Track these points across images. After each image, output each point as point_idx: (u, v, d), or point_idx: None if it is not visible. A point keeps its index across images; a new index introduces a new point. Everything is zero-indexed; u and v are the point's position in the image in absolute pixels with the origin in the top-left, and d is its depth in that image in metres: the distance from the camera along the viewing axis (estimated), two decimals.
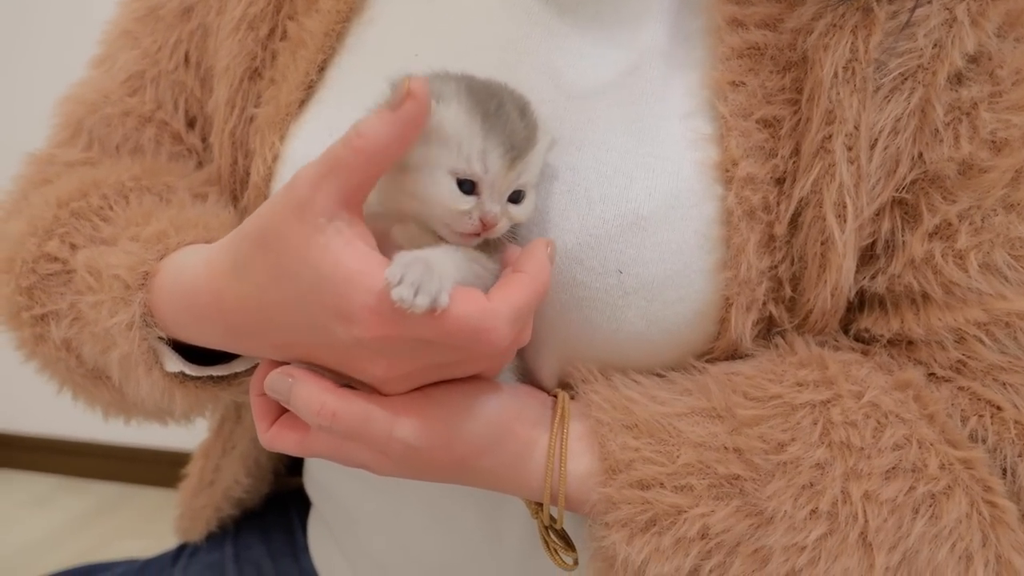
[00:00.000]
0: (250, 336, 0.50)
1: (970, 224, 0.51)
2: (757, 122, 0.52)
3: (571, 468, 0.50)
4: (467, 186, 0.46)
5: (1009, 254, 0.51)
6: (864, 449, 0.48)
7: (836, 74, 0.51)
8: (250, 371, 0.58)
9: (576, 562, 0.53)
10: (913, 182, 0.52)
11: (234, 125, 0.63)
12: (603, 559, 0.50)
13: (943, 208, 0.52)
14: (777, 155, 0.52)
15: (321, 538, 0.75)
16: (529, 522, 0.60)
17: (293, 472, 0.82)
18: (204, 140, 0.68)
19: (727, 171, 0.52)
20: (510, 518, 0.60)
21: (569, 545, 0.53)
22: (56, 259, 0.59)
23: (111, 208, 0.60)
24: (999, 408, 0.50)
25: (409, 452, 0.47)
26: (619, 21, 0.55)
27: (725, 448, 0.49)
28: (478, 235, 0.47)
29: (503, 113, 0.46)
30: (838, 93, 0.51)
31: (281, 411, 0.51)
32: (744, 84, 0.52)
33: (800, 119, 0.52)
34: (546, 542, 0.53)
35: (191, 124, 0.68)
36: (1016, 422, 0.50)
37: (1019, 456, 0.50)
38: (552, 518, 0.51)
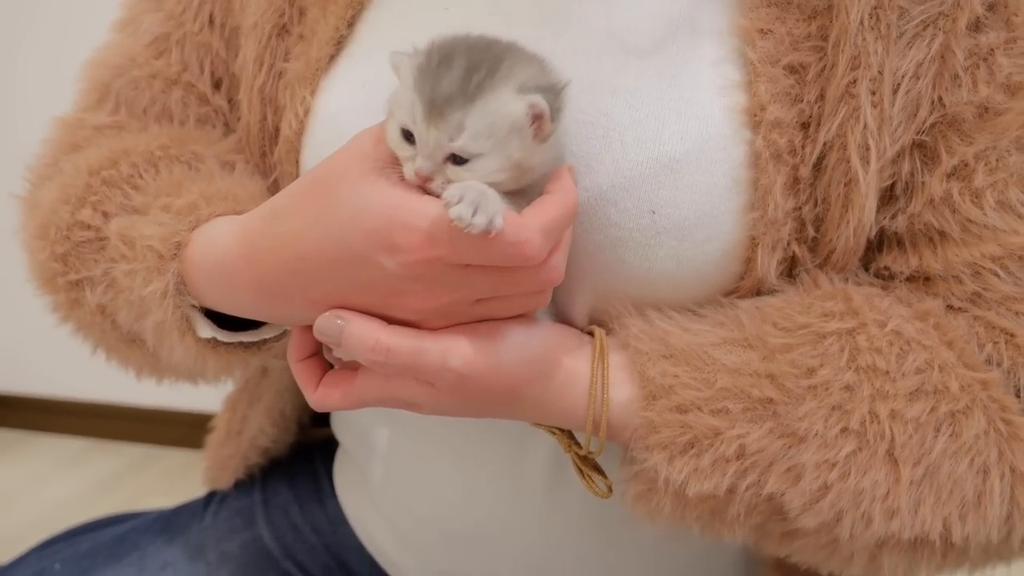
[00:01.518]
0: (282, 295, 0.52)
1: (986, 164, 0.54)
2: (784, 68, 0.54)
3: (613, 396, 0.52)
4: (407, 135, 0.48)
5: (1023, 192, 0.54)
6: (889, 373, 0.51)
7: (862, 21, 0.52)
8: (278, 337, 0.61)
9: (611, 489, 0.56)
10: (932, 125, 0.55)
11: (263, 81, 0.64)
12: (644, 481, 0.53)
13: (961, 149, 0.54)
14: (803, 100, 0.54)
15: (349, 482, 0.78)
16: (549, 464, 0.62)
17: (317, 423, 0.86)
18: (230, 101, 0.69)
19: (755, 116, 0.54)
20: (530, 461, 0.63)
21: (601, 474, 0.56)
22: (89, 227, 0.61)
23: (140, 177, 0.62)
24: (1012, 335, 0.54)
25: (460, 382, 0.49)
26: None
27: (758, 374, 0.52)
28: (422, 187, 0.48)
29: (441, 70, 0.46)
30: (864, 39, 0.52)
31: (323, 373, 0.54)
32: (772, 31, 0.54)
33: (825, 65, 0.54)
34: (580, 471, 0.56)
35: (217, 85, 0.69)
36: None
37: None
38: (582, 447, 0.54)
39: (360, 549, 0.78)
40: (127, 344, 0.63)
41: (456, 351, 0.49)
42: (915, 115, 0.54)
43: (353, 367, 0.53)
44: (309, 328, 0.53)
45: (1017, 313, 0.54)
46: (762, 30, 0.54)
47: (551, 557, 0.65)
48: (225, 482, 0.84)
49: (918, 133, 0.55)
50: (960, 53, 0.53)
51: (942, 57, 0.54)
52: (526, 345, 0.51)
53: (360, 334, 0.49)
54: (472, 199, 0.44)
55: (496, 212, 0.44)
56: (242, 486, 0.84)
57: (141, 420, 2.17)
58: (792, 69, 0.54)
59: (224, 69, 0.69)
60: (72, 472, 2.11)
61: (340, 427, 0.77)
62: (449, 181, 0.47)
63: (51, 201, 0.63)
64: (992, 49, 0.54)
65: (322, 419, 0.85)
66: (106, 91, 0.69)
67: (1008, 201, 0.54)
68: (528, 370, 0.51)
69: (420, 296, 0.48)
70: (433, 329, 0.49)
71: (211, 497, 0.85)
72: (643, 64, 0.55)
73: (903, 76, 0.53)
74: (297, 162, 0.63)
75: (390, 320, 0.50)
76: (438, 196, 0.46)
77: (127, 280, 0.58)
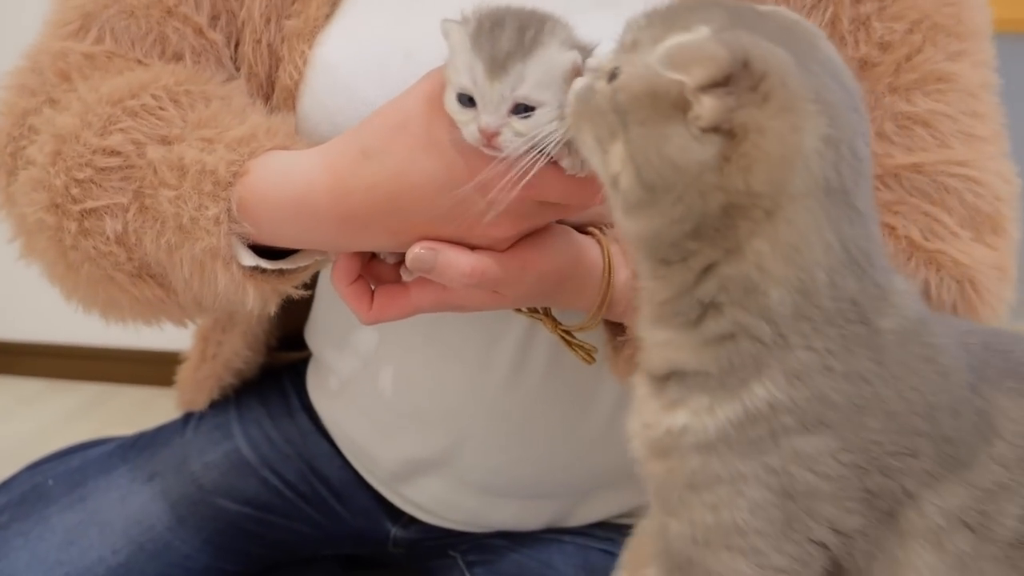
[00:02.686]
0: (367, 228, 0.58)
1: (866, 104, 0.65)
2: None
3: (615, 279, 0.63)
4: (464, 99, 0.52)
5: (895, 124, 0.66)
6: None
7: None
8: (309, 266, 0.65)
9: (594, 357, 0.67)
10: None
11: (270, 37, 0.70)
12: (635, 344, 0.62)
13: None
14: None
15: (322, 389, 0.87)
16: (515, 351, 0.73)
17: (283, 347, 0.95)
18: (228, 38, 0.72)
19: None
20: (499, 349, 0.73)
21: (583, 346, 0.67)
22: (118, 153, 0.62)
23: (164, 109, 0.64)
24: (893, 228, 0.66)
25: (529, 287, 0.59)
26: None
27: None
28: (488, 147, 0.52)
29: (495, 32, 0.51)
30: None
31: (370, 293, 0.62)
32: None
33: None
34: (569, 344, 0.66)
35: (214, 20, 0.71)
36: (906, 236, 0.65)
37: (908, 259, 0.65)
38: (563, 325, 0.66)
39: (329, 455, 0.88)
40: (131, 279, 0.65)
41: (532, 266, 0.58)
42: None
43: (399, 281, 0.62)
44: (355, 254, 0.61)
45: (895, 213, 0.66)
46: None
47: (512, 432, 0.76)
48: (201, 403, 0.92)
49: None
50: (845, 20, 0.66)
51: (832, 24, 0.66)
52: (568, 249, 0.61)
53: (455, 262, 0.56)
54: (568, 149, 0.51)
55: (583, 159, 0.51)
56: (217, 405, 0.92)
57: (96, 359, 2.22)
58: None
59: (224, 5, 0.71)
60: (33, 409, 2.17)
61: (317, 338, 0.86)
62: (517, 133, 0.51)
63: (70, 127, 0.63)
64: (868, 16, 0.66)
65: (288, 343, 0.94)
66: (88, 19, 0.70)
67: (884, 132, 0.66)
68: (569, 267, 0.61)
69: (503, 227, 0.56)
70: (502, 249, 0.58)
71: (188, 417, 0.93)
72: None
73: None
74: (294, 108, 0.70)
75: (468, 245, 0.57)
76: (500, 151, 0.51)
77: (171, 207, 0.60)
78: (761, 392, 0.46)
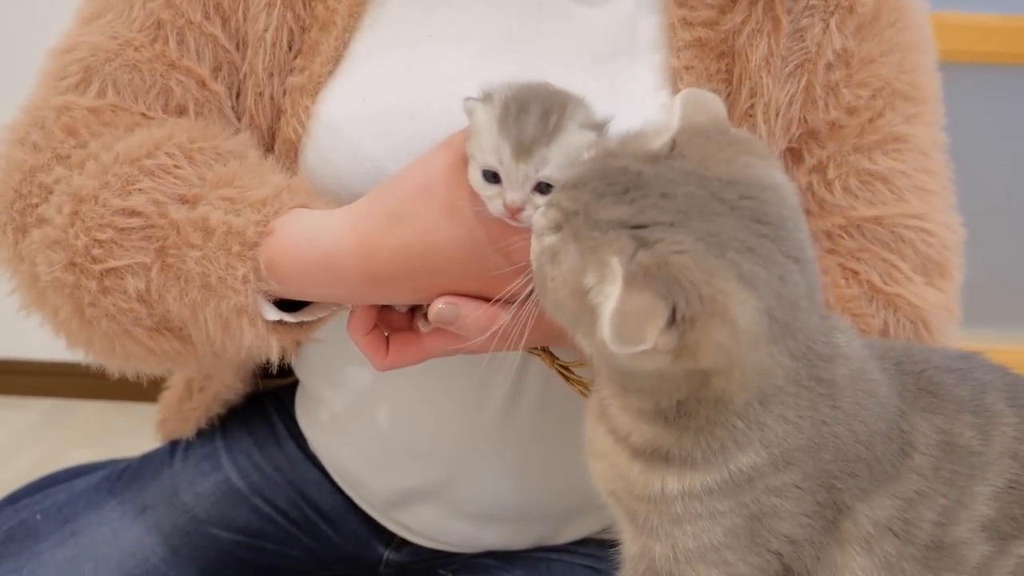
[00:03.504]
0: (392, 286, 0.62)
1: (834, 162, 0.74)
2: None
3: None
4: (490, 176, 0.56)
5: (858, 180, 0.74)
6: None
7: (759, 64, 0.71)
8: (326, 317, 0.68)
9: (590, 390, 0.69)
10: (799, 136, 0.75)
11: (272, 90, 0.73)
12: None
13: (818, 152, 0.75)
14: None
15: (315, 420, 0.89)
16: (509, 387, 0.77)
17: (267, 376, 0.95)
18: (229, 89, 0.74)
19: None
20: (494, 387, 0.77)
21: (579, 379, 0.70)
22: (138, 213, 0.64)
23: (179, 167, 0.66)
24: (856, 272, 0.73)
25: (535, 334, 0.60)
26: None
27: None
28: (512, 219, 0.56)
29: (521, 116, 0.55)
30: (761, 77, 0.71)
31: (385, 341, 0.65)
32: (694, 67, 0.71)
33: (731, 93, 0.72)
34: (567, 378, 0.70)
35: (216, 71, 0.73)
36: (867, 281, 0.73)
37: (869, 301, 0.72)
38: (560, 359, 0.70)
39: (319, 482, 0.91)
40: (150, 333, 0.67)
41: (542, 313, 0.61)
42: (788, 130, 0.74)
43: (412, 329, 0.66)
44: (371, 306, 0.64)
45: (858, 259, 0.74)
46: (687, 66, 0.71)
47: (506, 463, 0.80)
48: (187, 433, 0.93)
49: (790, 142, 0.75)
50: (818, 87, 0.73)
51: (806, 89, 0.73)
52: None
53: (477, 315, 0.61)
54: None
55: None
56: (203, 435, 0.93)
57: (49, 374, 2.19)
58: None
59: (225, 57, 0.73)
60: None
61: (308, 372, 0.88)
62: (537, 207, 0.55)
63: (89, 189, 0.65)
64: (837, 83, 0.74)
65: (272, 371, 0.96)
66: (90, 73, 0.70)
67: (849, 187, 0.74)
68: None
69: (520, 281, 0.58)
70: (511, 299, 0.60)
71: (174, 446, 0.94)
72: (597, 91, 0.66)
73: (781, 103, 0.72)
74: (296, 159, 0.73)
75: (482, 298, 0.61)
76: (522, 223, 0.56)
77: (197, 266, 0.62)
78: (745, 460, 0.53)
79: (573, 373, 0.71)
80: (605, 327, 0.45)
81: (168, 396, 0.96)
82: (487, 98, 0.58)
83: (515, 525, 0.84)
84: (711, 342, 0.46)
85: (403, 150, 0.70)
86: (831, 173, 0.74)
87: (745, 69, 0.71)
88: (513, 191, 0.55)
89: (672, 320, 0.45)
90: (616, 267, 0.46)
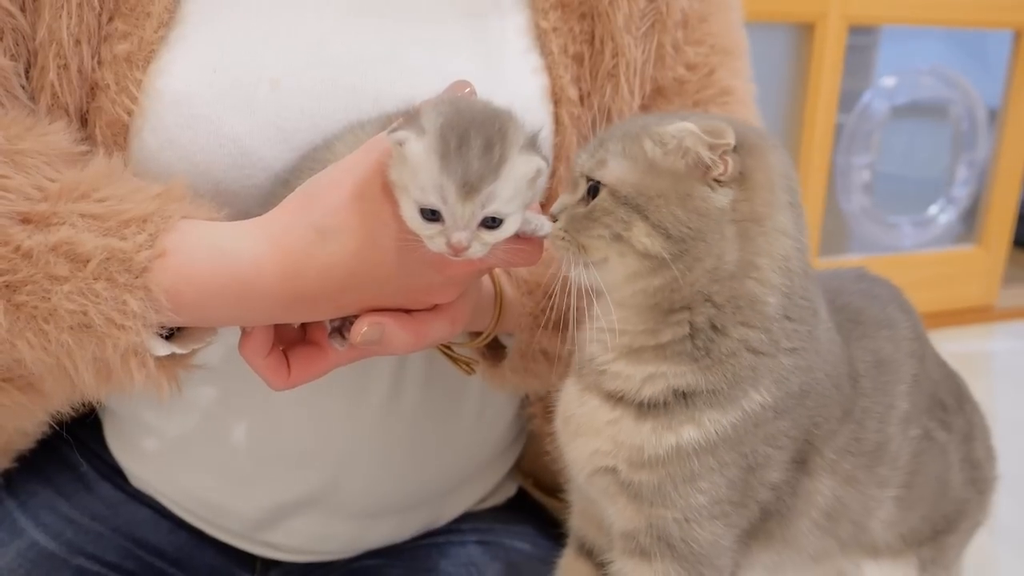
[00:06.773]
0: (315, 305, 0.55)
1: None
2: (570, 57, 0.71)
3: (506, 299, 0.67)
4: (429, 214, 0.51)
5: None
6: None
7: (622, 25, 0.71)
8: (208, 344, 0.60)
9: (474, 368, 0.70)
10: (650, 93, 0.76)
11: (81, 61, 0.60)
12: (518, 351, 0.69)
13: (665, 108, 0.76)
14: (581, 80, 0.72)
15: (144, 455, 0.77)
16: (388, 385, 0.72)
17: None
18: (16, 61, 0.60)
19: (556, 93, 0.70)
20: (372, 387, 0.72)
21: (466, 362, 0.69)
22: None
23: (5, 177, 0.53)
24: None
25: (448, 333, 0.60)
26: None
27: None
28: (455, 256, 0.52)
29: (463, 149, 0.50)
30: (623, 37, 0.71)
31: (285, 360, 0.58)
32: (560, 29, 0.70)
33: (594, 53, 0.71)
34: (455, 361, 0.69)
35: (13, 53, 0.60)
36: None
37: None
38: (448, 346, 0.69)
39: (152, 521, 0.78)
40: None
41: (460, 318, 0.60)
42: (643, 87, 0.75)
43: (309, 340, 0.60)
44: (269, 327, 0.57)
45: None
46: (555, 28, 0.70)
47: (392, 453, 0.75)
48: None
49: (643, 99, 0.76)
50: (668, 46, 0.76)
51: (657, 49, 0.75)
52: (480, 293, 0.65)
53: (400, 332, 0.57)
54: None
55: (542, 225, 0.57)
56: None
57: None
58: (575, 57, 0.71)
59: (8, 22, 0.60)
60: None
61: (123, 399, 0.75)
62: (484, 244, 0.52)
63: None
64: (679, 41, 0.77)
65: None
66: None
67: None
68: (478, 299, 0.64)
69: (450, 293, 0.58)
70: (435, 307, 0.58)
71: None
72: (472, 56, 0.66)
73: (638, 63, 0.73)
74: (125, 144, 0.60)
75: (407, 310, 0.57)
76: (466, 259, 0.52)
77: (69, 303, 0.52)
78: (757, 398, 0.56)
79: (454, 351, 0.69)
80: (692, 132, 0.53)
81: None
82: (414, 124, 0.52)
83: (400, 516, 0.79)
84: (760, 180, 0.55)
85: (271, 126, 0.62)
86: None
87: (607, 30, 0.71)
88: (459, 231, 0.51)
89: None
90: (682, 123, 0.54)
